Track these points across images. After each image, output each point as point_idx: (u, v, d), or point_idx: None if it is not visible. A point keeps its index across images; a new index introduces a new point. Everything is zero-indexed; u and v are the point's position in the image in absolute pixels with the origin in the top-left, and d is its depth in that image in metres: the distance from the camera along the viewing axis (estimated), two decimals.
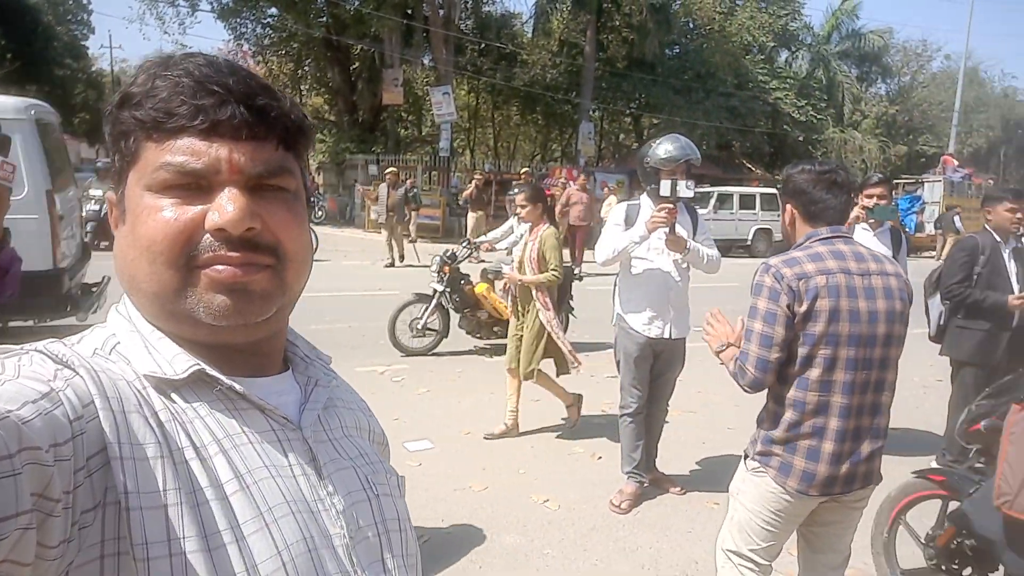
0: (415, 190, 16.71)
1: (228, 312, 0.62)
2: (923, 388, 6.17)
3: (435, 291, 6.50)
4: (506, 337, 6.37)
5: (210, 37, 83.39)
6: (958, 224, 16.80)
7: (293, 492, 0.64)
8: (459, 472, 4.12)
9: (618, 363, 3.86)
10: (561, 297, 4.95)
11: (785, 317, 1.98)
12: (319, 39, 21.98)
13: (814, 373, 1.99)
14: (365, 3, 19.32)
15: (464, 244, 7.15)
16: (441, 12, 20.59)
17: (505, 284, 4.74)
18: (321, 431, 0.72)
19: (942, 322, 4.42)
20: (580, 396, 4.83)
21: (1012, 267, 4.18)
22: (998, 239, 4.19)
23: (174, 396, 0.62)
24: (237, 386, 0.64)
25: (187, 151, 0.61)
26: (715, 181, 22.03)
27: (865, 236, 4.25)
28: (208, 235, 0.61)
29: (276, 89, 0.67)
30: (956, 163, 22.86)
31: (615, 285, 3.92)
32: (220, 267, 0.61)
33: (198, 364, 0.63)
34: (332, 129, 24.16)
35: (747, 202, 18.16)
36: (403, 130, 26.48)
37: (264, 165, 0.63)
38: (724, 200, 18.23)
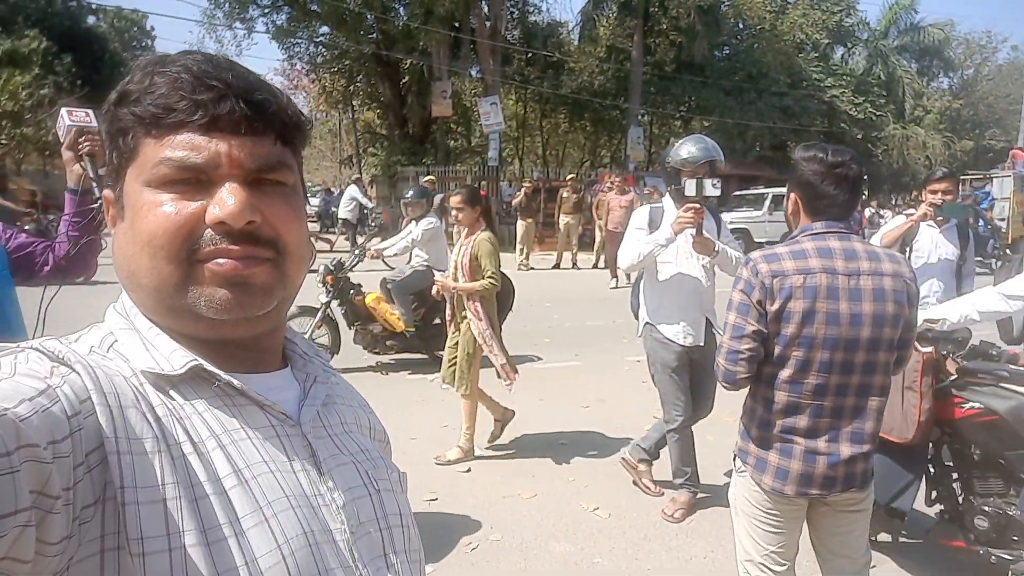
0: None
1: (230, 305, 0.62)
2: None
3: (321, 303, 6.06)
4: (403, 351, 6.32)
5: (264, 57, 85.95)
6: None
7: (293, 487, 0.64)
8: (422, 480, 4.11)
9: (653, 376, 3.72)
10: (502, 306, 4.50)
11: (756, 312, 1.95)
12: (370, 55, 22.39)
13: (785, 373, 1.96)
14: (413, 18, 19.64)
15: (356, 251, 6.66)
16: (488, 23, 20.74)
17: (438, 291, 4.45)
18: (320, 427, 0.73)
19: None
20: (511, 412, 4.60)
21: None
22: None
23: (172, 392, 0.62)
24: (235, 382, 0.64)
25: (187, 146, 0.61)
26: (769, 183, 21.55)
27: (930, 233, 4.13)
28: (209, 229, 0.61)
29: (273, 85, 0.68)
30: None
31: (635, 293, 3.83)
32: (221, 260, 0.62)
33: (196, 360, 0.63)
34: (384, 143, 24.57)
35: None
36: (452, 141, 26.70)
37: (263, 160, 0.64)
38: (779, 201, 17.84)
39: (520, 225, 14.03)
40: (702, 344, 3.55)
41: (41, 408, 0.49)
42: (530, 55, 24.50)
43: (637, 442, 3.99)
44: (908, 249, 4.12)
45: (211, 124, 0.61)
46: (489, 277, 4.09)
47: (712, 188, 3.11)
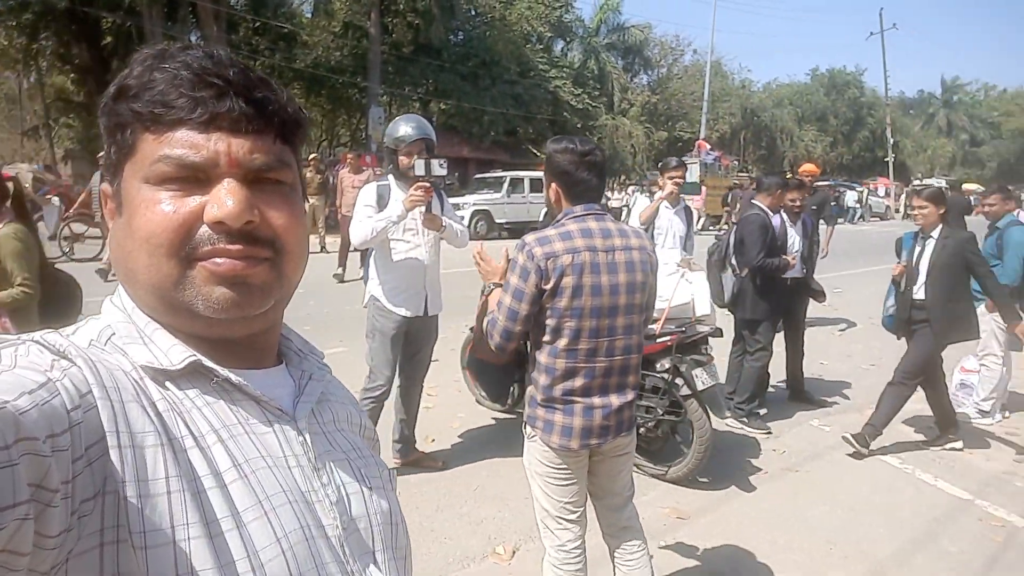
0: None
1: (227, 305, 0.62)
2: None
3: None
4: None
5: None
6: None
7: (289, 483, 0.65)
8: None
9: (369, 345, 3.81)
10: (62, 314, 3.17)
11: (532, 295, 2.14)
12: (62, 10, 19.10)
13: (562, 342, 2.18)
14: None
15: None
16: None
17: None
18: (315, 423, 0.73)
19: (735, 290, 5.03)
20: None
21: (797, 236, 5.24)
22: (772, 214, 5.00)
23: (171, 387, 0.62)
24: (233, 377, 0.64)
25: (186, 144, 0.60)
26: (505, 166, 22.84)
27: (667, 214, 4.95)
28: (207, 228, 0.61)
29: (273, 82, 0.67)
30: (708, 147, 25.91)
31: (366, 269, 3.94)
32: (219, 260, 0.61)
33: (194, 355, 0.63)
34: (82, 113, 21.21)
35: (537, 185, 19.03)
36: None
37: (263, 158, 0.63)
38: (516, 184, 19.03)
39: None
40: (422, 315, 3.73)
41: (41, 401, 0.49)
42: (259, 24, 22.87)
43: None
44: (651, 228, 4.82)
45: (210, 122, 0.61)
46: (20, 284, 2.94)
47: (439, 168, 3.37)
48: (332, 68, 23.49)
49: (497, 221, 18.75)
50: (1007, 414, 5.42)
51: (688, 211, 5.15)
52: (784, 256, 4.94)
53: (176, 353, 0.62)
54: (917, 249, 4.56)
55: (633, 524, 2.47)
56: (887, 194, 32.00)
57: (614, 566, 2.45)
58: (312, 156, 15.50)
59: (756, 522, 3.58)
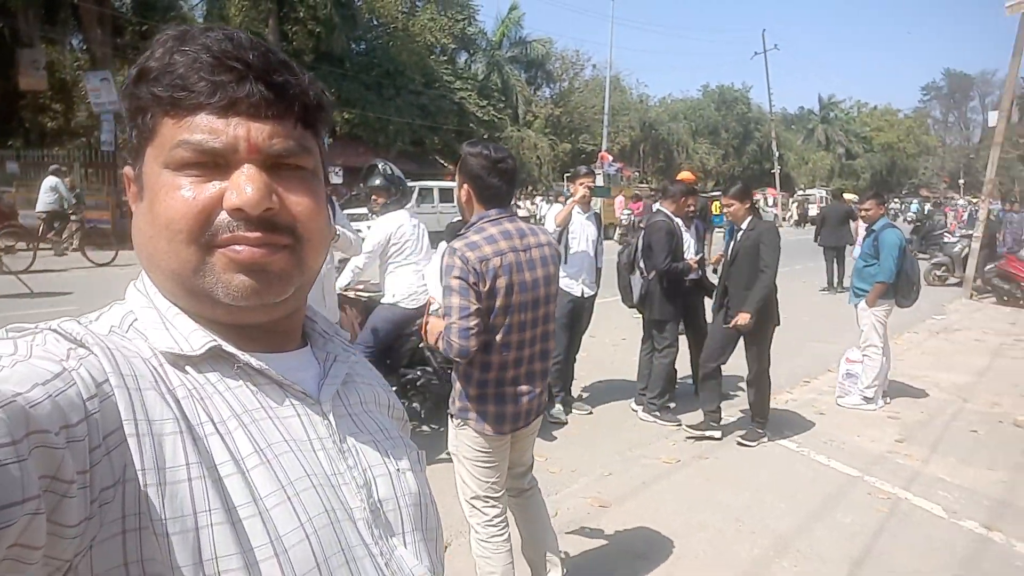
0: (77, 190, 14.33)
1: (247, 292, 0.62)
2: (613, 346, 7.28)
3: None
4: None
5: None
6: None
7: (314, 466, 0.64)
8: None
9: None
10: None
11: (475, 292, 2.25)
12: None
13: (498, 338, 2.31)
14: None
15: None
16: None
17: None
18: (341, 405, 0.72)
19: (643, 292, 5.25)
20: None
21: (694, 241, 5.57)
22: (675, 219, 5.28)
23: (192, 372, 0.62)
24: (254, 362, 0.64)
25: (205, 129, 0.59)
26: (413, 177, 22.71)
27: (579, 219, 5.16)
28: (226, 214, 0.60)
29: (296, 65, 0.66)
30: (610, 158, 26.73)
31: None
32: (239, 247, 0.61)
33: (215, 340, 0.62)
34: None
35: (447, 196, 19.08)
36: (49, 121, 22.40)
37: (283, 144, 0.62)
38: (425, 194, 18.96)
39: None
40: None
41: (56, 392, 0.48)
42: (146, 28, 21.77)
43: None
44: (564, 232, 4.97)
45: (230, 106, 0.60)
46: None
47: (335, 177, 3.48)
48: None
49: None
50: (888, 400, 5.91)
51: (598, 217, 5.41)
52: (686, 260, 5.23)
53: (196, 338, 0.62)
54: (731, 241, 4.96)
55: (533, 485, 2.69)
56: (775, 203, 34.07)
57: (515, 517, 2.67)
58: None
59: (671, 505, 3.79)
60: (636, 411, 5.40)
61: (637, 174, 33.88)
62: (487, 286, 2.23)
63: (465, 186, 2.36)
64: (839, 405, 5.81)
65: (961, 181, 51.34)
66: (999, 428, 5.40)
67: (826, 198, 27.91)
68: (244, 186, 0.59)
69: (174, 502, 0.53)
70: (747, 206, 4.78)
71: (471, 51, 32.34)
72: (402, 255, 4.32)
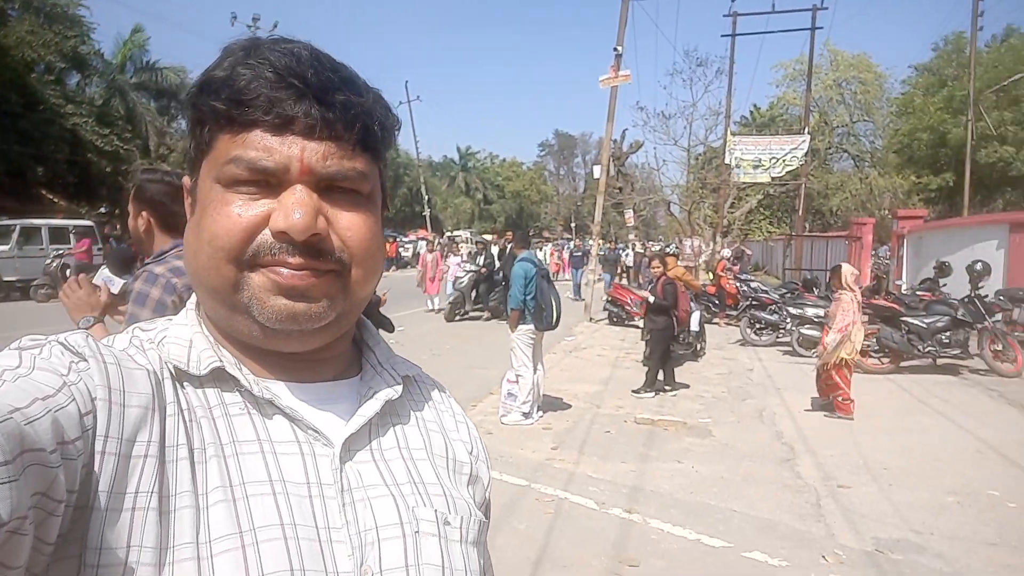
0: None
1: (284, 316, 0.59)
2: None
3: None
4: None
5: None
6: None
7: (298, 515, 0.56)
8: None
9: None
10: None
11: None
12: None
13: None
14: None
15: None
16: None
17: None
18: (365, 449, 0.64)
19: None
20: None
21: None
22: None
23: (190, 391, 0.59)
24: (255, 388, 0.60)
25: (259, 146, 0.58)
26: (11, 213, 18.77)
27: None
28: (270, 235, 0.58)
29: (362, 83, 0.63)
30: None
31: None
32: (281, 270, 0.58)
33: (219, 362, 0.60)
34: None
35: (59, 235, 16.23)
36: None
37: (337, 166, 0.60)
38: (30, 234, 15.82)
39: None
40: None
41: (56, 407, 0.47)
42: None
43: None
44: None
45: (285, 125, 0.58)
46: None
47: None
48: None
49: (5, 279, 15.26)
50: (542, 413, 6.62)
51: None
52: None
53: (205, 357, 0.60)
54: None
55: None
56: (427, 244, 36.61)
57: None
58: None
59: None
60: None
61: None
62: None
63: (144, 214, 2.13)
64: (503, 423, 6.32)
65: (573, 224, 60.84)
66: (625, 427, 6.42)
67: (471, 238, 30.84)
68: (292, 210, 0.57)
69: (111, 532, 0.49)
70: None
71: (85, 72, 28.14)
72: None
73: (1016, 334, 9.42)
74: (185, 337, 0.62)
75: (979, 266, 9.64)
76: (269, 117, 0.57)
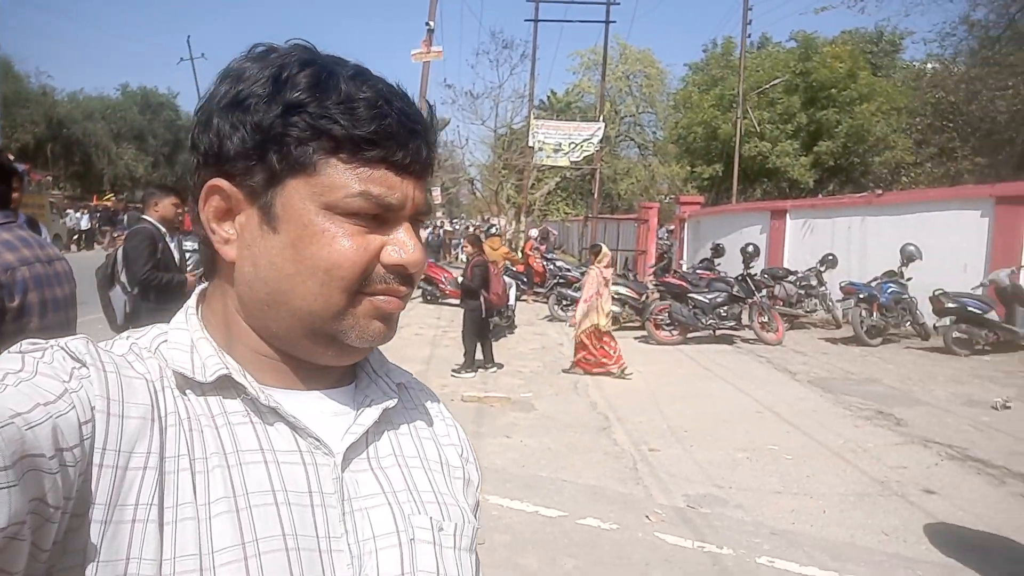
0: None
1: (378, 338, 0.63)
2: None
3: None
4: None
5: None
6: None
7: (300, 525, 0.57)
8: None
9: None
10: None
11: None
12: None
13: None
14: None
15: None
16: None
17: None
18: (363, 458, 0.65)
19: (128, 309, 4.44)
20: None
21: (177, 253, 4.76)
22: (163, 229, 4.57)
23: (192, 399, 0.59)
24: (262, 397, 0.60)
25: (385, 183, 0.60)
26: None
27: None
28: (382, 267, 0.61)
29: (436, 120, 0.67)
30: (11, 157, 21.89)
31: None
32: (389, 298, 0.62)
33: (225, 369, 0.60)
34: None
35: None
36: None
37: (424, 202, 0.64)
38: None
39: None
40: None
41: (57, 414, 0.47)
42: None
43: None
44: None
45: (407, 165, 0.61)
46: None
47: None
48: None
49: None
50: None
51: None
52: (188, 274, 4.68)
53: (211, 365, 0.60)
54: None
55: None
56: None
57: None
58: None
59: None
60: None
61: (49, 179, 28.63)
62: (16, 302, 1.85)
63: None
64: None
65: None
66: (452, 405, 6.50)
67: None
68: (408, 245, 0.62)
69: (111, 545, 0.49)
70: None
71: None
72: None
73: (777, 307, 10.97)
74: (186, 342, 0.62)
75: (751, 248, 11.07)
76: (397, 158, 0.60)
